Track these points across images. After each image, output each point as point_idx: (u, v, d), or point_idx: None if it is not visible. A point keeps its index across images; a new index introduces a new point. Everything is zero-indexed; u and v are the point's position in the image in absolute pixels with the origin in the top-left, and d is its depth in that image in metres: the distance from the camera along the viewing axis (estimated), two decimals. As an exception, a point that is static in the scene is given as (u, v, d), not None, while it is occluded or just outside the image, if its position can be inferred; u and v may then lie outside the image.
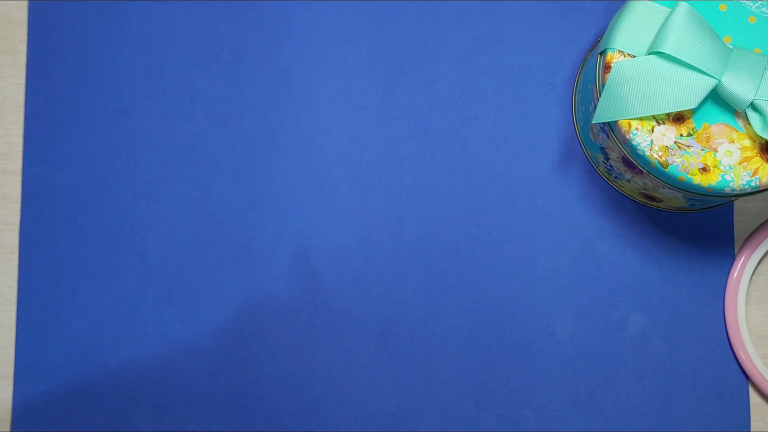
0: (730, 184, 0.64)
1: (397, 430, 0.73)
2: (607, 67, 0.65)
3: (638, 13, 0.65)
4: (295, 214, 0.74)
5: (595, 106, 0.66)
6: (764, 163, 0.64)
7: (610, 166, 0.71)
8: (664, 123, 0.64)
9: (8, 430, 0.73)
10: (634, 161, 0.66)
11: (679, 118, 0.64)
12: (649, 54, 0.64)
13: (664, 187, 0.68)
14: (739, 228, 0.75)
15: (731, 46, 0.64)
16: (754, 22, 0.65)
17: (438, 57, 0.76)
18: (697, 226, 0.74)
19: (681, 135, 0.64)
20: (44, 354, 0.73)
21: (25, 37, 0.76)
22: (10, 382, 0.73)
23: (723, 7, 0.65)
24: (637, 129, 0.64)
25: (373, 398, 0.73)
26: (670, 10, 0.64)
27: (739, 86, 0.62)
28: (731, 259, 0.74)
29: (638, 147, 0.64)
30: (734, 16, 0.65)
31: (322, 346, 0.73)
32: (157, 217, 0.74)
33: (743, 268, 0.73)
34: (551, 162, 0.75)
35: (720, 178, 0.64)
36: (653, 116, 0.64)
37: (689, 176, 0.64)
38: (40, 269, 0.74)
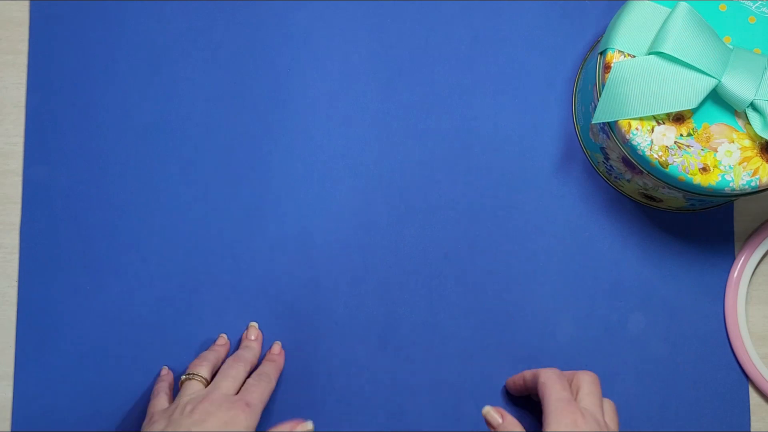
0: (730, 184, 0.64)
1: (397, 430, 0.73)
2: (607, 67, 0.65)
3: (638, 13, 0.65)
4: (295, 214, 0.74)
5: (595, 106, 0.66)
6: (764, 163, 0.64)
7: (610, 166, 0.71)
8: (664, 123, 0.64)
9: (8, 429, 0.73)
10: (634, 161, 0.66)
11: (679, 118, 0.64)
12: (649, 54, 0.64)
13: (664, 187, 0.68)
14: (739, 228, 0.75)
15: (731, 46, 0.64)
16: (754, 22, 0.65)
17: (438, 57, 0.76)
18: (697, 226, 0.75)
19: (681, 135, 0.64)
20: (44, 354, 0.73)
21: (26, 37, 0.76)
22: (10, 382, 0.73)
23: (723, 7, 0.65)
24: (637, 129, 0.64)
25: (373, 398, 0.73)
26: (670, 10, 0.64)
27: (739, 86, 0.62)
28: (731, 259, 0.74)
29: (638, 147, 0.64)
30: (734, 16, 0.65)
31: (322, 346, 0.73)
32: (157, 217, 0.74)
33: (743, 268, 0.73)
34: (551, 162, 0.75)
35: (720, 178, 0.64)
36: (653, 116, 0.64)
37: (689, 176, 0.64)
38: (41, 269, 0.74)
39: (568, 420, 0.62)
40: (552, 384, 0.65)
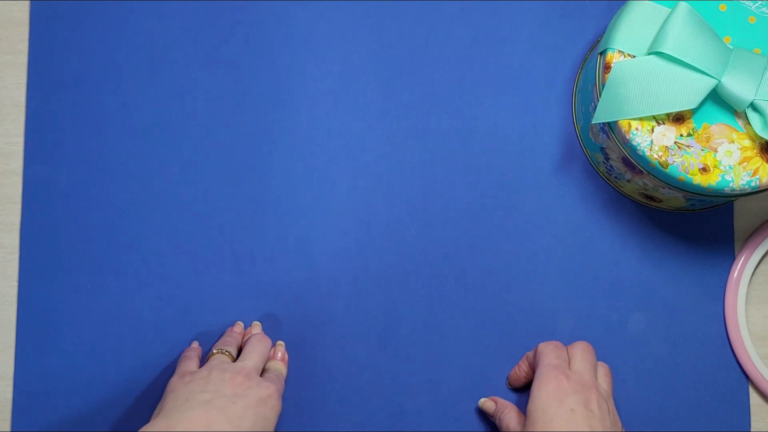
0: (730, 184, 0.64)
1: (397, 430, 0.73)
2: (607, 67, 0.65)
3: (638, 13, 0.65)
4: (295, 214, 0.74)
5: (595, 106, 0.66)
6: (764, 163, 0.64)
7: (610, 166, 0.71)
8: (664, 123, 0.64)
9: (8, 430, 0.73)
10: (634, 161, 0.66)
11: (679, 118, 0.64)
12: (649, 54, 0.64)
13: (664, 188, 0.68)
14: (739, 228, 0.75)
15: (731, 46, 0.64)
16: (754, 22, 0.65)
17: (438, 57, 0.76)
18: (697, 226, 0.75)
19: (681, 135, 0.64)
20: (44, 354, 0.73)
21: (26, 37, 0.76)
22: (10, 382, 0.73)
23: (723, 7, 0.65)
24: (637, 129, 0.64)
25: (373, 398, 0.73)
26: (670, 10, 0.64)
27: (738, 86, 0.62)
28: (731, 259, 0.74)
29: (638, 147, 0.64)
30: (734, 16, 0.65)
31: (322, 346, 0.73)
32: (157, 217, 0.74)
33: (743, 268, 0.73)
34: (551, 162, 0.75)
35: (720, 178, 0.64)
36: (653, 116, 0.64)
37: (689, 176, 0.64)
38: (41, 269, 0.74)
39: (552, 383, 0.65)
40: (547, 352, 0.69)
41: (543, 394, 0.65)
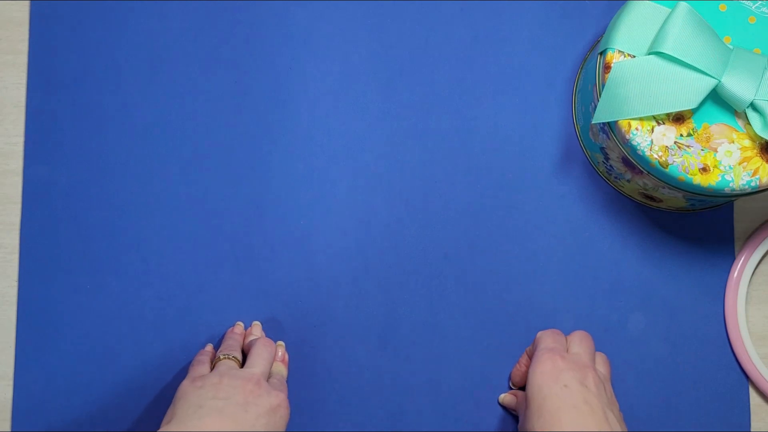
0: (730, 184, 0.64)
1: (397, 430, 0.73)
2: (607, 67, 0.65)
3: (638, 13, 0.65)
4: (295, 214, 0.74)
5: (595, 106, 0.66)
6: (764, 163, 0.64)
7: (610, 166, 0.71)
8: (664, 123, 0.64)
9: (8, 429, 0.73)
10: (634, 161, 0.66)
11: (679, 118, 0.64)
12: (649, 54, 0.64)
13: (664, 187, 0.68)
14: (739, 228, 0.75)
15: (731, 46, 0.64)
16: (754, 22, 0.65)
17: (438, 57, 0.76)
18: (697, 226, 0.75)
19: (681, 135, 0.64)
20: (44, 354, 0.73)
21: (26, 37, 0.76)
22: (10, 382, 0.73)
23: (723, 7, 0.65)
24: (637, 129, 0.64)
25: (373, 398, 0.73)
26: (670, 10, 0.64)
27: (738, 86, 0.62)
28: (731, 259, 0.74)
29: (638, 147, 0.64)
30: (734, 16, 0.65)
31: (322, 346, 0.73)
32: (157, 217, 0.74)
33: (743, 268, 0.73)
34: (551, 162, 0.75)
35: (720, 178, 0.64)
36: (653, 116, 0.64)
37: (689, 176, 0.64)
38: (41, 269, 0.74)
39: (548, 363, 0.66)
40: (544, 338, 0.69)
41: (537, 373, 0.65)
